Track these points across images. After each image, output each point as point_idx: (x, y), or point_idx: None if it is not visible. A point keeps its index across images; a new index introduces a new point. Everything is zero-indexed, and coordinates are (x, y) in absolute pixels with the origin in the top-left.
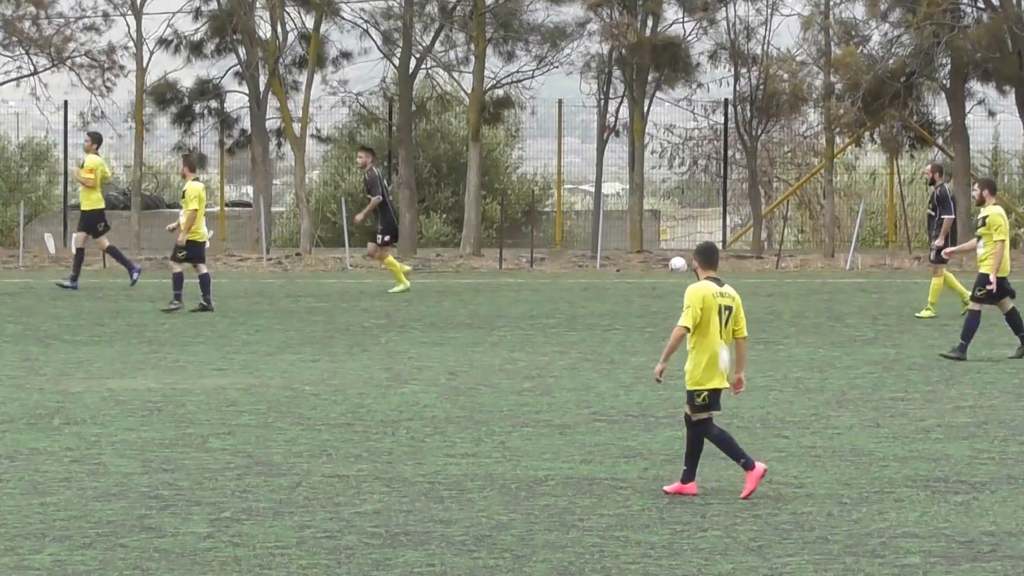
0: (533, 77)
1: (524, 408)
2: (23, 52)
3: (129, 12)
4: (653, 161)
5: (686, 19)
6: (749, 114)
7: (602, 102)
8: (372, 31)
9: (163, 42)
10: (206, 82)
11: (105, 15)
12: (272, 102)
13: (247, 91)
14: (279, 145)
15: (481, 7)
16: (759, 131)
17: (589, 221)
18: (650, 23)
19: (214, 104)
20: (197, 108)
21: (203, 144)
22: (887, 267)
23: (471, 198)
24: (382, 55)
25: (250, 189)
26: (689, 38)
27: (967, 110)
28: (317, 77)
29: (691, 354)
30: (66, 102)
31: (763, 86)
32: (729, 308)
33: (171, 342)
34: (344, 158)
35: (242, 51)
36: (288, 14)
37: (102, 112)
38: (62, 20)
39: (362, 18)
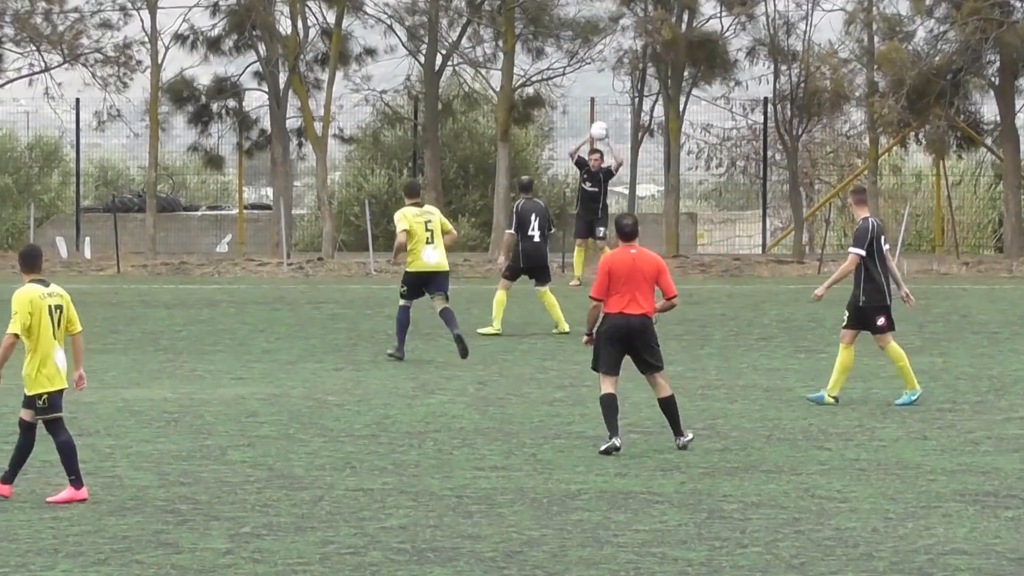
0: (564, 74)
1: (556, 419)
2: (34, 48)
3: (144, 7)
4: (689, 162)
5: (723, 14)
6: (789, 113)
7: (636, 100)
8: (396, 27)
9: (179, 38)
10: (224, 80)
11: (122, 9)
12: (293, 101)
13: (267, 89)
14: (300, 145)
15: (510, 2)
16: (800, 131)
17: None
18: (686, 18)
19: (232, 103)
20: (215, 107)
21: (221, 144)
22: (934, 273)
23: (500, 200)
24: (407, 52)
25: (270, 191)
26: (727, 34)
27: (1017, 109)
28: (339, 75)
29: (28, 358)
30: (78, 100)
31: (804, 84)
32: (60, 307)
33: (188, 350)
34: (367, 159)
35: (261, 48)
36: (309, 9)
37: (117, 111)
38: (76, 15)
39: (386, 13)
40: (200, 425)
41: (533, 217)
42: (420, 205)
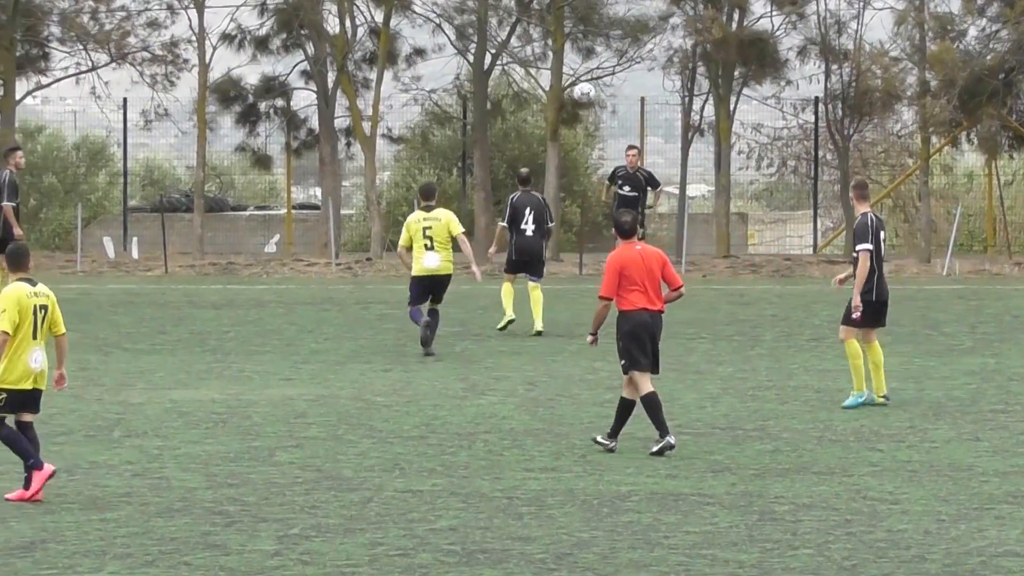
0: (614, 73)
1: (606, 420)
2: (81, 47)
3: (191, 5)
4: (740, 162)
5: (774, 13)
6: (840, 112)
7: (686, 100)
8: (445, 26)
9: (226, 37)
10: (272, 79)
11: (169, 8)
12: (341, 100)
13: (315, 89)
14: (348, 145)
15: (559, 1)
16: (851, 130)
17: (673, 224)
18: (736, 16)
19: (280, 102)
20: (262, 106)
21: (269, 144)
22: (986, 273)
23: (549, 200)
24: (456, 51)
25: (318, 191)
26: (777, 33)
27: None
28: (388, 74)
29: (5, 356)
30: (125, 99)
31: (855, 83)
32: (44, 307)
33: (236, 351)
34: (416, 159)
35: (309, 47)
36: (357, 8)
37: (164, 110)
38: (123, 14)
39: (435, 12)
40: (248, 426)
41: (528, 211)
42: (431, 208)
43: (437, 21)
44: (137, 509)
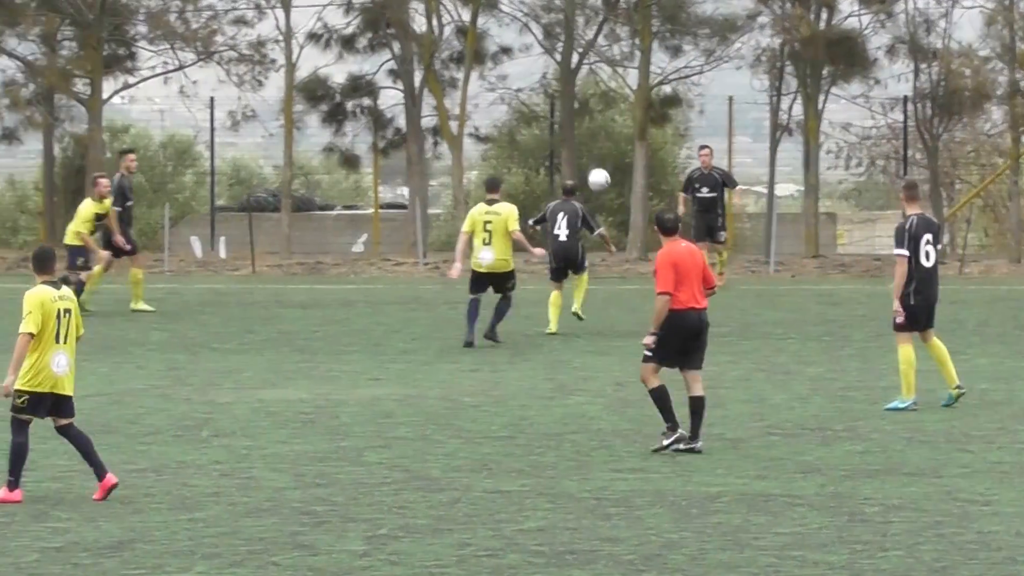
0: (701, 72)
1: None
2: (168, 47)
3: (278, 5)
4: (829, 161)
5: (862, 11)
6: (930, 112)
7: (774, 99)
8: (532, 25)
9: (313, 36)
10: (358, 78)
11: (257, 7)
12: (428, 99)
13: (401, 88)
14: (435, 144)
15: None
16: (940, 130)
17: (762, 224)
18: (824, 15)
19: (367, 101)
20: (349, 106)
21: (356, 143)
22: None
23: (637, 200)
24: (543, 50)
25: (405, 190)
26: (865, 31)
27: None
28: (475, 73)
29: (29, 357)
30: (212, 98)
31: (944, 82)
32: (68, 311)
33: (324, 351)
34: (504, 157)
35: (396, 46)
36: (444, 7)
37: (252, 109)
38: (210, 13)
39: (522, 11)
40: (336, 426)
41: (560, 216)
42: (494, 202)
43: (524, 20)
44: (225, 509)
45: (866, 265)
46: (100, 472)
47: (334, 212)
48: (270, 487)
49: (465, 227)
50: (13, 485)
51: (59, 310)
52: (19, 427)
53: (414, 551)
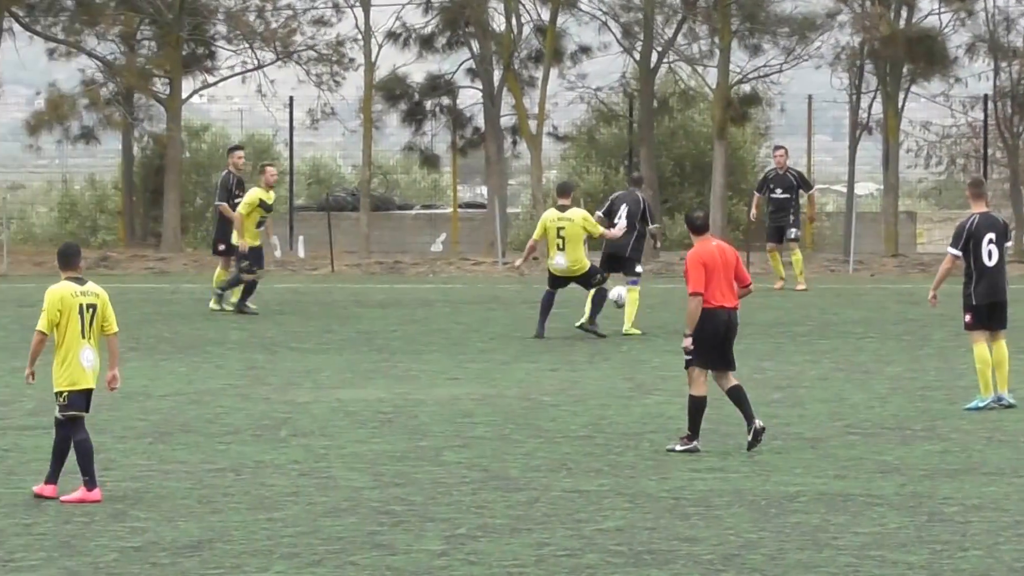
0: (781, 71)
1: (774, 420)
2: (247, 46)
3: (357, 4)
4: (908, 160)
5: (942, 10)
6: (1010, 110)
7: (854, 98)
8: (611, 24)
9: (392, 36)
10: (437, 77)
11: (335, 7)
12: (507, 98)
13: (480, 87)
14: (514, 143)
15: None
16: (1021, 128)
17: (841, 223)
18: (904, 14)
19: (446, 100)
20: (428, 105)
21: (435, 142)
22: None
23: (716, 199)
24: (622, 49)
25: (484, 190)
26: (945, 30)
27: None
28: (554, 72)
29: (56, 355)
30: (291, 98)
31: None
32: (92, 306)
33: (402, 350)
34: (582, 157)
35: (475, 45)
36: (523, 6)
37: (331, 108)
38: (289, 12)
39: (601, 10)
40: (415, 426)
41: (623, 207)
42: (565, 208)
43: (603, 19)
44: (304, 509)
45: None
46: (52, 475)
47: (413, 211)
48: (348, 487)
49: (536, 234)
50: (91, 484)
51: (81, 305)
52: (75, 426)
53: (492, 551)
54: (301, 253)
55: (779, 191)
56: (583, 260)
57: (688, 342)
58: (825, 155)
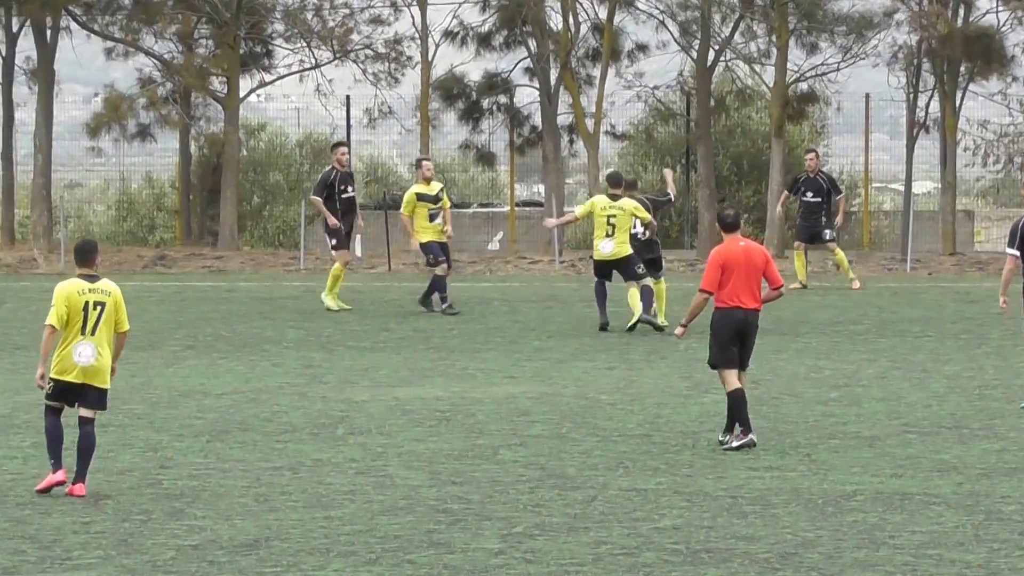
0: (838, 70)
1: (831, 419)
2: (305, 45)
3: (414, 3)
4: (966, 158)
5: (999, 8)
6: None
7: (911, 96)
8: (668, 22)
9: (449, 34)
10: (494, 76)
11: (393, 5)
12: (564, 97)
13: (538, 85)
14: (571, 142)
15: None
16: None
17: (899, 222)
18: (961, 12)
19: (503, 99)
20: (485, 103)
21: (492, 141)
22: None
23: (773, 197)
24: (679, 47)
25: (541, 188)
26: (1003, 28)
27: None
28: (611, 71)
29: (58, 347)
30: (348, 96)
31: None
32: (100, 304)
33: (460, 349)
34: (640, 155)
35: (532, 43)
36: (580, 5)
37: (388, 107)
38: (346, 11)
39: (658, 9)
40: (472, 424)
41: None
42: (617, 198)
43: (660, 17)
44: (361, 507)
45: (1003, 263)
46: (81, 474)
47: (470, 210)
48: (406, 485)
49: (580, 212)
50: (55, 467)
51: (87, 302)
52: (49, 413)
53: (549, 549)
54: (359, 252)
55: (810, 195)
56: (627, 246)
57: (680, 331)
58: (882, 154)
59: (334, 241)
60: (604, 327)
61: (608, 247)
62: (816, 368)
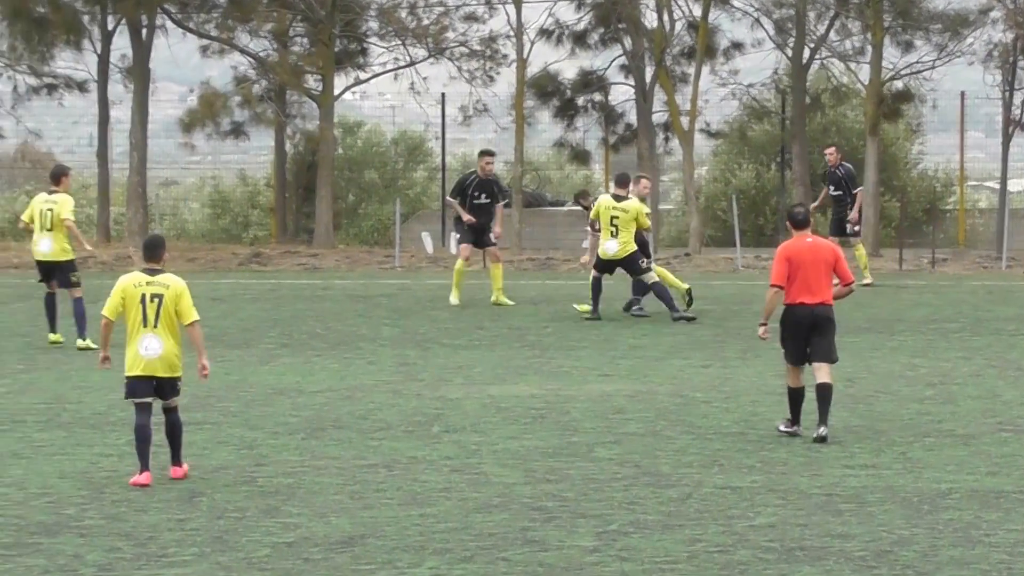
0: (933, 68)
1: (926, 417)
2: (400, 43)
3: (509, 1)
4: None
5: None
6: None
7: (1007, 94)
8: (764, 20)
9: (544, 32)
10: (589, 74)
11: (488, 3)
12: (659, 95)
13: (632, 83)
14: (666, 140)
15: None
16: None
17: (994, 220)
18: None
19: (598, 97)
20: (580, 101)
21: (586, 139)
22: None
23: (869, 195)
24: (774, 45)
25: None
26: None
27: None
28: (706, 68)
29: (128, 343)
30: (444, 94)
31: None
32: (158, 296)
33: (554, 346)
34: (734, 153)
35: (627, 41)
36: (675, 2)
37: (483, 105)
38: (441, 9)
39: (753, 6)
40: (566, 422)
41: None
42: (620, 199)
43: (755, 15)
44: (456, 504)
45: None
46: (175, 458)
47: (565, 208)
48: (500, 483)
49: (592, 215)
50: (142, 468)
51: (144, 295)
52: (137, 413)
53: (644, 547)
54: (453, 250)
55: (832, 188)
56: (631, 245)
57: (761, 331)
58: (978, 152)
59: (458, 236)
60: (595, 318)
61: (613, 247)
62: (911, 366)
